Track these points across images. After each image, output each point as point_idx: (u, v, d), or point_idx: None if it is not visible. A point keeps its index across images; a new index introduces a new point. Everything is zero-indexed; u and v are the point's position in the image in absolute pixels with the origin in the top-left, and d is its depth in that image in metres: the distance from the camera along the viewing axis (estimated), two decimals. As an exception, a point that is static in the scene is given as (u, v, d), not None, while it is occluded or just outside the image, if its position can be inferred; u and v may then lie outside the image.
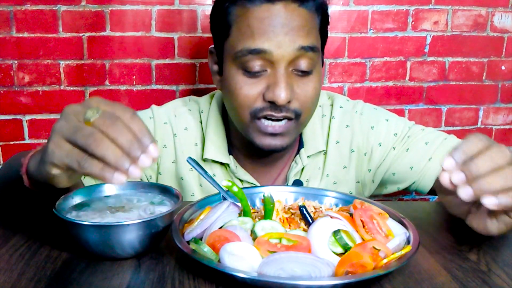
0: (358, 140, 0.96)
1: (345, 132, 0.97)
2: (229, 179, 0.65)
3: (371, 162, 0.97)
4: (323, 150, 0.95)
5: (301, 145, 0.95)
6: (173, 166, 0.95)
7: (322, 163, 0.96)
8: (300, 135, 0.96)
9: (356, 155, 0.97)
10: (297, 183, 0.94)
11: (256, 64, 0.79)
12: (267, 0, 0.78)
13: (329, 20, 0.88)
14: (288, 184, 0.94)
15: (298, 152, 0.95)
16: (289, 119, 0.82)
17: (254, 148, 0.87)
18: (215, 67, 0.90)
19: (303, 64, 0.80)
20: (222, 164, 0.94)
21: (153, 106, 0.98)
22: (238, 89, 0.82)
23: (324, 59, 0.91)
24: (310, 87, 0.82)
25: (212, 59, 0.91)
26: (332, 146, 0.96)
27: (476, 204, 0.61)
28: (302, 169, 0.95)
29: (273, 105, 0.80)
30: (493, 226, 0.60)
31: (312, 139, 0.95)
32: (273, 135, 0.83)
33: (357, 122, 0.97)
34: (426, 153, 0.93)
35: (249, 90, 0.81)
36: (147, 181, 0.96)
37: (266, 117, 0.82)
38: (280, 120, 0.82)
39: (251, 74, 0.80)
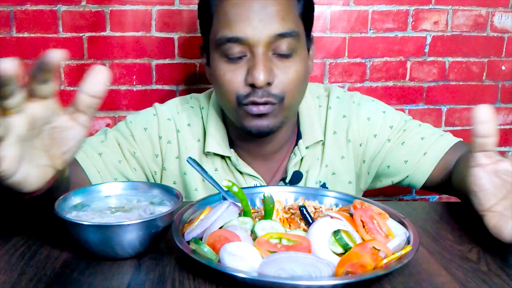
0: (354, 130, 0.97)
1: (342, 122, 0.97)
2: (229, 179, 0.65)
3: (366, 153, 0.98)
4: (321, 140, 0.96)
5: (299, 136, 0.96)
6: (177, 162, 0.96)
7: (321, 154, 0.97)
8: (298, 127, 0.97)
9: (353, 145, 0.97)
10: (297, 174, 0.95)
11: (235, 51, 0.82)
12: None
13: (314, 6, 0.90)
14: (288, 175, 0.94)
15: (296, 144, 0.95)
16: (272, 103, 0.84)
17: (250, 140, 0.89)
18: (204, 60, 0.93)
19: (283, 47, 0.82)
20: (223, 157, 0.95)
21: (156, 104, 1.00)
22: (222, 76, 0.84)
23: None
24: (291, 69, 0.84)
25: (203, 54, 0.94)
26: (330, 137, 0.97)
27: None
28: (301, 160, 0.95)
29: (254, 89, 0.82)
30: (509, 232, 0.58)
31: (310, 130, 0.96)
32: (259, 116, 0.84)
33: (354, 112, 0.97)
34: (421, 148, 0.94)
35: (232, 76, 0.83)
36: (151, 176, 0.97)
37: (250, 103, 0.84)
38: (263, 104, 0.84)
39: (232, 60, 0.83)
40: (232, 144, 0.95)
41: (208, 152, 0.94)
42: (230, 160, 0.94)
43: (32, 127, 0.52)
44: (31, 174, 0.54)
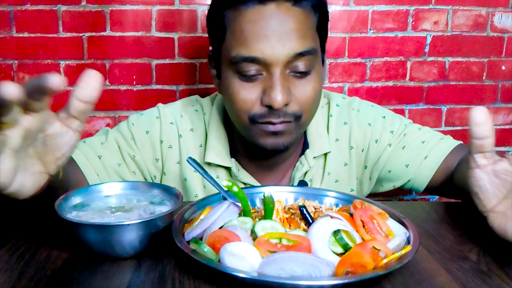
0: (356, 136, 0.96)
1: (343, 129, 0.97)
2: (230, 180, 0.65)
3: (367, 158, 0.97)
4: (329, 152, 0.95)
5: (306, 145, 0.95)
6: (178, 167, 0.95)
7: (323, 162, 0.96)
8: (305, 136, 0.95)
9: (355, 152, 0.97)
10: (302, 183, 0.94)
11: (251, 69, 0.79)
12: (259, 1, 0.77)
13: (329, 18, 0.87)
14: (294, 185, 0.93)
15: (303, 153, 0.94)
16: (289, 122, 0.82)
17: (257, 151, 0.86)
18: (214, 71, 0.90)
19: (300, 66, 0.79)
20: (226, 167, 0.94)
21: (160, 105, 0.98)
22: (235, 94, 0.81)
23: (325, 59, 0.91)
24: (309, 87, 0.81)
25: (211, 63, 0.91)
26: (333, 144, 0.96)
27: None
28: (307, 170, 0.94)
29: (271, 109, 0.79)
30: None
31: (318, 140, 0.95)
32: (275, 133, 0.82)
33: (354, 119, 0.97)
34: (422, 152, 0.93)
35: (246, 95, 0.81)
36: (151, 180, 0.96)
37: (265, 123, 0.82)
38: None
39: (247, 78, 0.80)
40: (235, 151, 0.94)
41: (209, 162, 0.92)
42: (231, 170, 0.93)
43: (26, 138, 0.51)
44: (26, 183, 0.54)
